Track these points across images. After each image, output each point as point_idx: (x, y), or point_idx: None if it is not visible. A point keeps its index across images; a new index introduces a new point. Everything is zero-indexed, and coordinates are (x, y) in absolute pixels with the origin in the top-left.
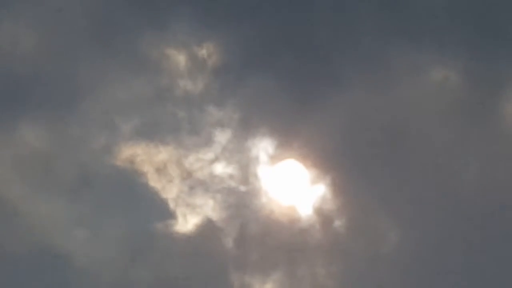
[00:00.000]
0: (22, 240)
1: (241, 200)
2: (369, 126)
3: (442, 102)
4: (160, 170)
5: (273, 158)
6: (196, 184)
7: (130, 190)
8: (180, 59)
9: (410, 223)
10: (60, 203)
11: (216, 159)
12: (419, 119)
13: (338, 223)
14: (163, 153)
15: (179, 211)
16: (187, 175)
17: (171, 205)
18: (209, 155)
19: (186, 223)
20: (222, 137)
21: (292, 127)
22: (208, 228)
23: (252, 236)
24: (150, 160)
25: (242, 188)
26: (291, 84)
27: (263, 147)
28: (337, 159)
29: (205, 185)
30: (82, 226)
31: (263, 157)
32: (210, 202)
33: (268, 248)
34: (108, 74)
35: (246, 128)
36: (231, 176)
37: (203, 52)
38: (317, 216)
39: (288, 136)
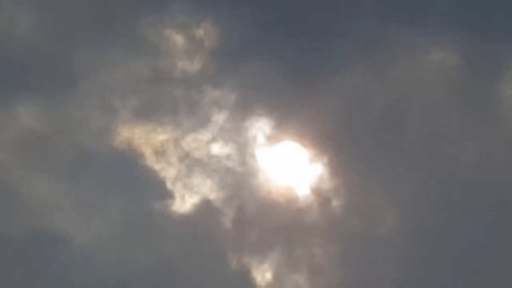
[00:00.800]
0: (20, 222)
1: (238, 180)
2: (367, 107)
3: (440, 83)
4: (158, 150)
5: (271, 138)
6: (193, 164)
7: (128, 170)
8: (178, 39)
9: (407, 203)
10: (58, 185)
11: (213, 139)
12: (418, 101)
13: (335, 203)
14: (160, 134)
15: (177, 191)
16: (185, 155)
17: (169, 185)
18: (206, 135)
19: (184, 203)
20: (219, 117)
21: (289, 107)
22: (205, 208)
23: (249, 216)
24: (148, 141)
25: (240, 168)
26: (289, 65)
27: (260, 127)
28: (334, 140)
29: (202, 165)
30: (80, 207)
31: (260, 137)
32: (208, 182)
33: (265, 228)
34: (105, 55)
35: (244, 108)
36: (228, 156)
37: (200, 32)
38: (314, 196)
39: (286, 116)
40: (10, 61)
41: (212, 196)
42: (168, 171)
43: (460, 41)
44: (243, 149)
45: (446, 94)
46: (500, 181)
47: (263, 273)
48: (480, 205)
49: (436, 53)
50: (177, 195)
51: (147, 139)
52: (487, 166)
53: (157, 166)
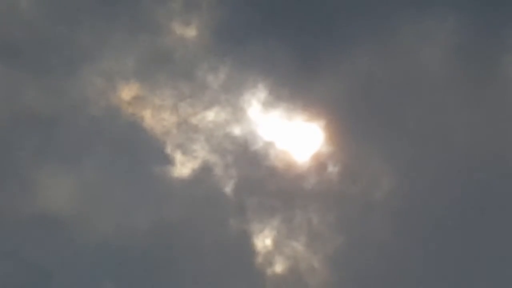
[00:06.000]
0: (23, 205)
1: (236, 145)
2: (366, 75)
3: (443, 61)
4: (157, 116)
5: (267, 104)
6: (192, 130)
7: (128, 136)
8: (175, 5)
9: (404, 169)
10: (61, 166)
11: (211, 105)
12: (419, 75)
13: (333, 168)
14: (159, 99)
15: (177, 157)
16: (183, 121)
17: (169, 151)
18: (204, 100)
19: (183, 168)
20: (216, 82)
21: (287, 72)
22: (203, 173)
23: (247, 181)
24: (147, 107)
25: (237, 133)
26: (286, 33)
27: (258, 92)
28: (332, 106)
29: (201, 131)
30: (84, 187)
31: (258, 102)
32: (206, 148)
33: (262, 192)
34: (107, 30)
35: (241, 73)
36: (226, 122)
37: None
38: (312, 161)
39: (283, 81)
40: (12, 42)
41: (210, 160)
42: (167, 137)
43: (465, 23)
44: (241, 114)
45: (447, 72)
46: (495, 147)
47: (263, 239)
48: (476, 169)
49: (441, 36)
50: (176, 161)
51: (146, 105)
52: (485, 136)
53: (156, 132)
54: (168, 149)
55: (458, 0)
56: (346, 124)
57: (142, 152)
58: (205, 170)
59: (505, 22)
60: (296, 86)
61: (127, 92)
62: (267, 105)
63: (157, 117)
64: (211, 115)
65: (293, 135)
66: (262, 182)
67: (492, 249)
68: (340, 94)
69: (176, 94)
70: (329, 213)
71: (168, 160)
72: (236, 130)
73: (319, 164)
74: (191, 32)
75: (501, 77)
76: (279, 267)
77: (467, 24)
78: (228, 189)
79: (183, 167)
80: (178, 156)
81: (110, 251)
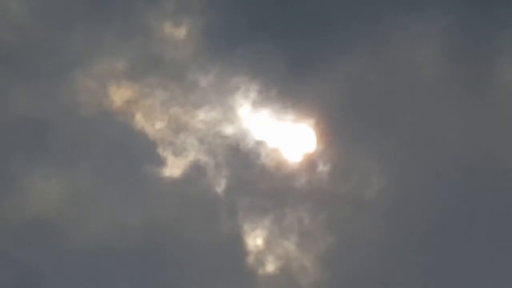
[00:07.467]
0: (15, 208)
1: (227, 145)
2: (358, 76)
3: (435, 62)
4: (148, 115)
5: (257, 104)
6: (183, 129)
7: (119, 134)
8: (167, 5)
9: (394, 168)
10: (53, 168)
11: (202, 105)
12: (409, 75)
13: (323, 168)
14: (149, 98)
15: (168, 157)
16: (174, 120)
17: (160, 151)
18: (195, 101)
19: (175, 168)
20: (207, 83)
21: (276, 72)
22: (195, 173)
23: (238, 180)
24: (138, 106)
25: (228, 133)
26: (277, 33)
27: (248, 92)
28: (323, 106)
29: (192, 130)
30: (76, 189)
31: (248, 102)
32: (197, 147)
33: (253, 192)
34: (98, 34)
35: (231, 73)
36: (217, 122)
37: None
38: (302, 161)
39: (273, 81)
40: (4, 46)
41: (201, 160)
42: (159, 138)
43: (456, 26)
44: (232, 112)
45: (438, 73)
46: (486, 147)
47: (254, 238)
48: (466, 169)
49: (432, 36)
50: (168, 160)
51: (137, 106)
52: (473, 133)
53: (148, 133)
54: (160, 150)
55: (449, 3)
56: (337, 123)
57: (134, 153)
58: (196, 170)
59: (497, 24)
60: (286, 86)
61: (118, 93)
62: (257, 104)
63: (149, 117)
64: (201, 115)
65: (283, 135)
66: (253, 181)
67: (484, 247)
68: (330, 94)
69: (167, 95)
70: (320, 213)
71: (159, 161)
72: (227, 130)
73: (310, 163)
74: (181, 34)
75: (492, 79)
76: (270, 267)
77: (459, 27)
78: (219, 188)
79: (174, 167)
80: (169, 156)
81: (103, 252)
